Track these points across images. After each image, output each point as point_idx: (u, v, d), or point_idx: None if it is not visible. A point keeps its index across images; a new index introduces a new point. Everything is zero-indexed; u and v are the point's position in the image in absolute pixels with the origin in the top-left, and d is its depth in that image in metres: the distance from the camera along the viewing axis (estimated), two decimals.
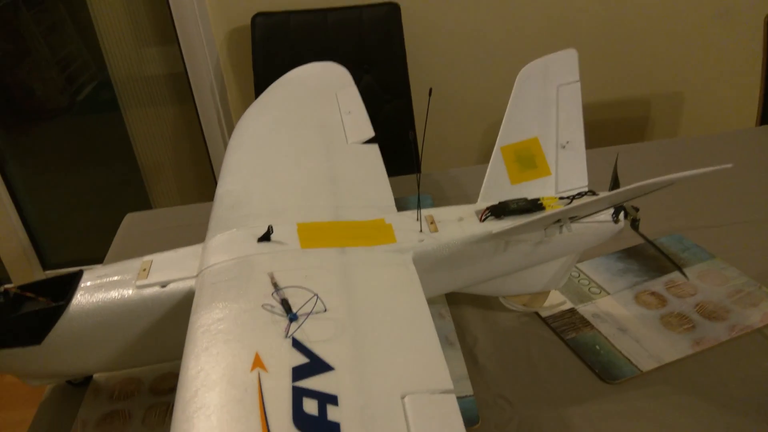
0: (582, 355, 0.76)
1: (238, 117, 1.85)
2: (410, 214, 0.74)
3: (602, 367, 0.74)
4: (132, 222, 1.14)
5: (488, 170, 0.80)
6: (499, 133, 0.82)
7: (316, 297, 0.57)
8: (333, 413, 0.47)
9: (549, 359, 0.76)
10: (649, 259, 0.91)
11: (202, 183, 2.06)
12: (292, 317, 0.55)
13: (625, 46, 1.81)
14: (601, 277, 0.88)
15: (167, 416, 0.72)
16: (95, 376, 0.79)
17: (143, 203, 2.11)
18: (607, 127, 1.92)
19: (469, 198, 0.80)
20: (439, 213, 0.75)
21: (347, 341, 0.54)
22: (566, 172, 0.80)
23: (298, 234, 0.69)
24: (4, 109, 2.03)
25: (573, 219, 0.71)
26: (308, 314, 0.56)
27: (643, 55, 1.83)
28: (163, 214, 1.19)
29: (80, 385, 0.78)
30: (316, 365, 0.51)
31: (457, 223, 0.73)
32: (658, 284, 0.86)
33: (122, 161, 2.08)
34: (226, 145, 1.87)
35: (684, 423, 0.66)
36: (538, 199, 0.74)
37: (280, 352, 0.51)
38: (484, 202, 0.77)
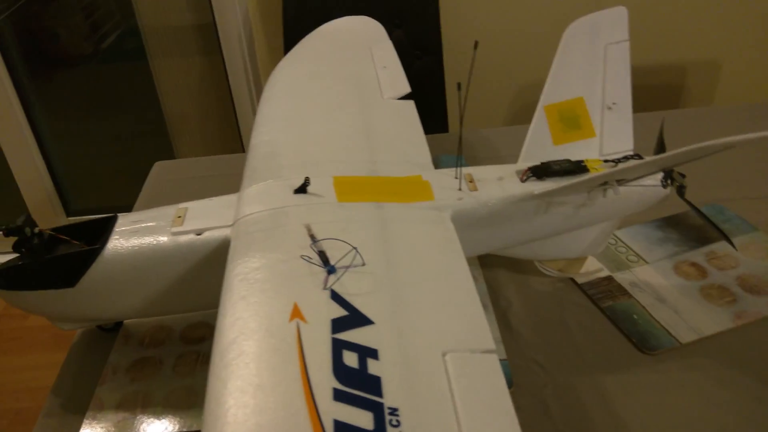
0: (619, 324, 0.74)
1: (266, 69, 1.84)
2: (448, 172, 0.72)
3: (640, 336, 0.72)
4: (161, 170, 1.13)
5: (530, 130, 0.78)
6: (543, 92, 0.79)
7: (355, 250, 0.56)
8: (373, 367, 0.46)
9: (584, 326, 0.75)
10: (689, 228, 0.88)
11: (227, 135, 2.04)
12: (331, 269, 0.54)
13: (662, 9, 1.74)
14: (639, 246, 0.86)
15: (198, 365, 0.72)
16: (126, 322, 0.79)
17: (167, 153, 2.10)
18: (642, 93, 1.87)
19: (502, 159, 0.77)
20: (478, 172, 0.73)
21: (386, 296, 0.52)
22: (611, 134, 0.77)
23: (334, 187, 0.67)
24: (29, 55, 2.02)
25: (620, 182, 0.69)
26: (347, 267, 0.54)
27: (679, 19, 1.76)
28: (191, 163, 1.18)
29: (111, 330, 0.78)
30: (355, 318, 0.50)
31: (497, 183, 0.71)
32: (698, 255, 0.83)
33: (147, 110, 2.07)
34: (252, 97, 1.86)
35: (724, 396, 0.65)
36: (581, 161, 0.72)
37: (318, 304, 0.50)
38: (525, 162, 0.74)
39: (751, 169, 1.00)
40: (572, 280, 0.81)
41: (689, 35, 1.80)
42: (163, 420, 0.65)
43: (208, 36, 1.83)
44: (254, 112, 1.88)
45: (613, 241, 0.87)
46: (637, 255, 0.84)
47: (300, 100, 0.88)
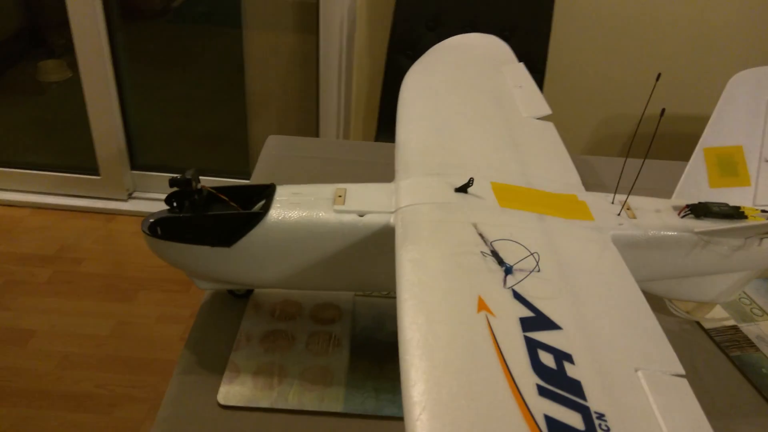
0: (748, 376, 0.74)
1: (361, 59, 1.84)
2: (603, 196, 0.72)
3: None
4: (275, 144, 1.14)
5: (687, 169, 0.78)
6: (703, 134, 0.80)
7: (533, 256, 0.56)
8: (571, 370, 0.45)
9: (714, 372, 0.74)
10: None
11: (304, 117, 2.05)
12: (508, 270, 0.54)
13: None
14: (762, 300, 0.85)
15: (331, 346, 0.72)
16: (255, 291, 0.79)
17: (240, 123, 2.11)
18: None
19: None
20: (636, 201, 0.73)
21: (568, 304, 0.52)
22: (766, 186, 0.77)
23: (493, 192, 0.67)
24: (121, 4, 2.03)
25: None
26: (525, 271, 0.54)
27: None
28: (302, 142, 1.18)
29: (241, 296, 0.78)
30: (542, 321, 0.49)
31: (655, 214, 0.71)
32: None
33: (228, 77, 2.08)
34: (340, 85, 1.87)
35: None
36: (739, 207, 0.72)
37: (503, 300, 0.50)
38: (679, 199, 0.74)
39: None
40: (699, 324, 0.81)
41: None
42: (302, 396, 0.66)
43: (308, 14, 1.84)
44: (340, 100, 1.89)
45: (739, 294, 0.86)
46: (762, 309, 0.84)
47: (442, 105, 0.88)
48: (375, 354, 0.72)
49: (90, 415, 1.44)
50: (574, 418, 0.41)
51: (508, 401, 0.41)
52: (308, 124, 2.05)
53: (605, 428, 0.41)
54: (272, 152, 1.11)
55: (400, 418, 0.64)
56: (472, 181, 0.66)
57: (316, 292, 0.80)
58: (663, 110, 0.64)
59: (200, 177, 0.69)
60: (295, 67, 1.98)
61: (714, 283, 0.77)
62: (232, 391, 0.66)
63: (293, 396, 0.66)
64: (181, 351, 0.71)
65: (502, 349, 0.45)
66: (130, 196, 2.17)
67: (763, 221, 0.67)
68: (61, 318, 1.75)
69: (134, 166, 2.18)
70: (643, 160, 0.71)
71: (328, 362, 0.70)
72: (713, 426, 0.67)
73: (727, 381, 0.74)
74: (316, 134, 1.99)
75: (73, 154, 2.21)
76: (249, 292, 0.79)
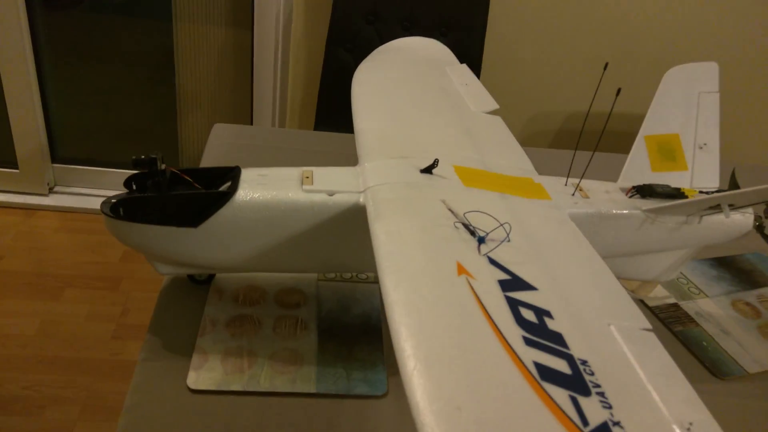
0: (691, 348, 0.79)
1: (297, 55, 1.82)
2: (557, 179, 0.76)
3: (711, 362, 0.77)
4: (221, 132, 1.11)
5: (631, 154, 0.83)
6: (644, 123, 0.85)
7: (503, 226, 0.58)
8: (552, 324, 0.48)
9: None
10: (740, 271, 0.95)
11: (238, 109, 2.02)
12: (480, 239, 0.56)
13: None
14: (698, 280, 0.92)
15: (298, 329, 0.72)
16: (216, 277, 0.78)
17: (169, 114, 2.05)
18: None
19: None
20: (585, 183, 0.77)
21: (540, 268, 0.55)
22: (701, 171, 0.83)
23: (456, 173, 0.69)
24: None
25: (731, 207, 0.74)
26: (495, 240, 0.56)
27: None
28: (249, 130, 1.17)
29: (202, 283, 0.77)
30: (518, 282, 0.52)
31: (606, 194, 0.76)
32: (750, 296, 0.90)
33: (156, 69, 2.01)
34: (275, 78, 1.85)
35: None
36: (680, 189, 0.77)
37: (480, 265, 0.52)
38: (625, 182, 0.79)
39: None
40: (643, 302, 0.86)
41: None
42: (274, 379, 0.65)
43: (242, 8, 1.80)
44: (275, 92, 1.87)
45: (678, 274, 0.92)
46: (698, 288, 0.90)
47: (395, 98, 0.90)
48: (343, 336, 0.72)
49: (18, 417, 1.36)
50: (560, 364, 0.44)
51: (498, 351, 0.43)
52: (242, 118, 2.01)
53: (590, 372, 0.44)
54: (219, 141, 1.09)
55: (373, 397, 0.66)
56: (437, 162, 0.68)
57: (279, 277, 0.79)
58: (619, 90, 0.68)
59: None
60: (228, 61, 1.94)
61: (657, 262, 0.82)
62: (202, 376, 0.64)
63: (265, 378, 0.65)
64: (144, 338, 0.69)
65: (486, 307, 0.47)
66: (51, 191, 2.06)
67: (703, 197, 0.72)
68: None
69: (56, 159, 2.07)
70: (597, 142, 0.75)
71: (297, 345, 0.70)
72: None
73: (672, 353, 0.77)
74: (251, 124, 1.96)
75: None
76: (210, 278, 0.77)
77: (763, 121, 1.97)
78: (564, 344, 0.46)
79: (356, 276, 0.82)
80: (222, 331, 0.70)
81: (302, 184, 0.68)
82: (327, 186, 0.68)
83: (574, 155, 0.76)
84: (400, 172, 0.68)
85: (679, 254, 0.82)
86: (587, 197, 0.74)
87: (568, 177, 0.76)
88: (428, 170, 0.68)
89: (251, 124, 1.96)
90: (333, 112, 1.67)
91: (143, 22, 1.97)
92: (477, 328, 0.45)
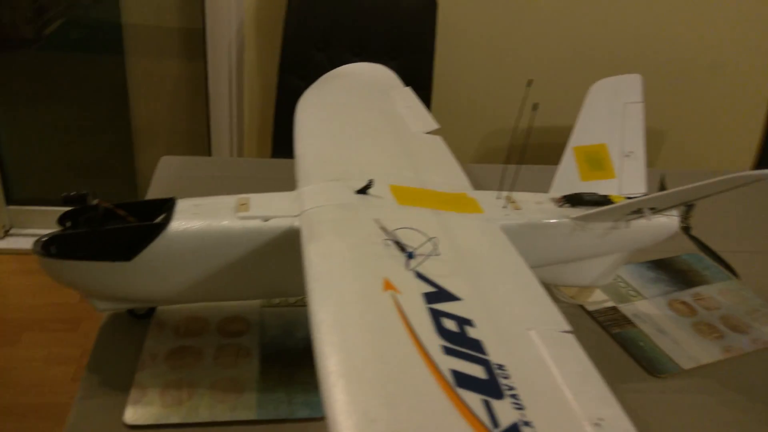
0: (628, 349, 0.82)
1: (251, 85, 1.84)
2: (490, 194, 0.78)
3: (647, 361, 0.80)
4: (167, 165, 1.12)
5: (560, 166, 0.86)
6: (572, 135, 0.88)
7: (431, 240, 0.61)
8: (472, 332, 0.50)
9: (599, 350, 0.81)
10: (676, 272, 0.98)
11: (195, 141, 2.02)
12: (410, 255, 0.58)
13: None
14: (636, 283, 0.95)
15: (239, 357, 0.73)
16: (157, 310, 0.78)
17: (125, 149, 2.05)
18: None
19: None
20: (517, 195, 0.80)
21: (464, 280, 0.57)
22: (628, 178, 0.86)
23: (392, 193, 0.71)
24: None
25: (652, 211, 0.77)
26: (425, 255, 0.58)
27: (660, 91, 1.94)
28: (196, 161, 1.17)
29: (142, 317, 0.77)
30: (443, 294, 0.54)
31: (537, 206, 0.78)
32: (686, 295, 0.93)
33: (110, 105, 2.01)
34: (231, 108, 1.87)
35: (731, 417, 0.73)
36: (607, 196, 0.80)
37: (406, 280, 0.54)
38: (556, 192, 0.82)
39: (729, 224, 1.13)
40: (582, 307, 0.88)
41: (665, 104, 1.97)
42: (213, 408, 0.66)
43: (193, 41, 1.82)
44: (232, 122, 1.88)
45: (615, 277, 0.95)
46: (636, 290, 0.93)
47: (337, 123, 0.93)
48: (286, 361, 0.73)
49: None
50: (477, 370, 0.46)
51: (416, 361, 0.45)
52: (200, 149, 2.02)
53: (505, 376, 0.46)
54: (166, 173, 1.10)
55: (315, 419, 0.66)
56: (372, 182, 0.70)
57: (222, 306, 0.80)
58: (536, 105, 0.71)
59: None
60: (183, 93, 1.95)
61: (592, 268, 0.85)
62: (140, 411, 0.64)
63: (204, 409, 0.65)
64: (82, 377, 0.69)
65: (409, 319, 0.49)
66: (6, 233, 2.03)
67: (626, 202, 0.75)
68: None
69: (11, 201, 2.05)
70: (520, 156, 0.77)
71: (238, 373, 0.70)
72: None
73: (611, 355, 0.81)
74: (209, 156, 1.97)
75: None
76: (150, 312, 0.78)
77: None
78: (482, 351, 0.48)
79: (301, 301, 0.83)
80: (161, 365, 0.70)
81: (237, 211, 0.69)
82: (262, 212, 0.69)
83: (505, 169, 0.78)
84: (335, 194, 0.70)
85: (612, 259, 0.85)
86: (519, 209, 0.76)
87: (499, 190, 0.78)
88: (363, 191, 0.70)
89: (209, 154, 1.97)
90: (289, 139, 1.67)
91: (95, 59, 1.98)
92: (398, 341, 0.47)
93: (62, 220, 0.69)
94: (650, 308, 0.89)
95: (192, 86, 1.93)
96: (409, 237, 0.61)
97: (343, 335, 0.47)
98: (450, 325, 0.50)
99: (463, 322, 0.51)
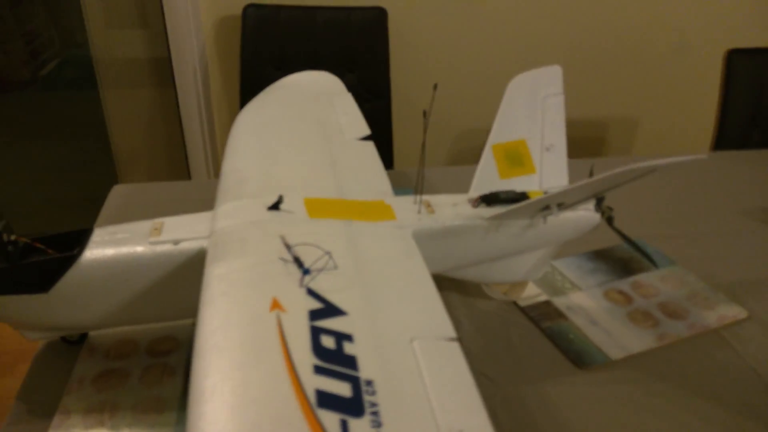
0: (557, 343, 0.82)
1: (220, 105, 1.88)
2: (407, 199, 0.79)
3: (576, 354, 0.80)
4: (120, 193, 1.15)
5: (479, 165, 0.86)
6: (491, 133, 0.89)
7: (328, 254, 0.62)
8: (349, 348, 0.51)
9: (528, 344, 0.82)
10: (616, 261, 0.98)
11: (174, 166, 2.06)
12: (306, 271, 0.59)
13: (587, 68, 1.91)
14: (573, 274, 0.95)
15: (165, 375, 0.74)
16: (90, 335, 0.80)
17: (110, 182, 2.09)
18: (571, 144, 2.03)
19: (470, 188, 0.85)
20: (434, 199, 0.81)
21: (357, 292, 0.58)
22: (549, 171, 0.87)
23: (305, 206, 0.73)
24: None
25: (560, 206, 0.77)
26: (321, 269, 0.60)
27: (602, 78, 1.94)
28: (149, 188, 1.20)
29: (75, 343, 0.79)
30: (330, 310, 0.55)
31: (452, 208, 0.79)
32: (624, 284, 0.93)
33: (91, 139, 2.07)
34: (203, 131, 1.90)
35: (655, 405, 0.73)
36: (524, 192, 0.81)
37: (296, 298, 0.55)
38: (475, 192, 0.82)
39: (670, 208, 1.12)
40: (515, 303, 0.89)
41: (611, 93, 1.98)
42: (133, 427, 0.67)
43: (161, 69, 1.86)
44: (205, 146, 1.91)
45: (550, 270, 0.95)
46: (572, 283, 0.93)
47: (268, 137, 0.94)
48: None
49: None
50: (343, 388, 0.47)
51: (282, 384, 0.46)
52: (180, 172, 2.05)
53: (372, 392, 0.47)
54: (116, 203, 1.13)
55: None
56: (282, 198, 0.72)
57: (154, 327, 0.82)
58: (425, 112, 0.73)
59: None
60: (158, 120, 1.99)
61: (519, 264, 0.86)
62: None
63: (125, 429, 0.67)
64: (12, 405, 0.71)
65: (287, 340, 0.50)
66: None
67: (532, 200, 0.76)
68: None
69: None
70: (421, 158, 0.78)
71: (161, 392, 0.72)
72: (528, 393, 0.74)
73: (539, 349, 0.81)
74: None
75: None
76: (83, 338, 0.80)
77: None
78: (354, 367, 0.49)
79: None
80: (88, 388, 0.72)
81: (150, 236, 0.71)
82: (174, 235, 0.71)
83: (419, 173, 0.79)
84: (247, 212, 0.71)
85: (538, 254, 0.85)
86: (433, 213, 0.78)
87: (417, 194, 0.79)
88: (275, 206, 0.71)
89: (189, 178, 2.01)
90: None
91: (69, 94, 2.04)
92: (270, 363, 0.48)
93: None
94: (585, 300, 0.90)
95: (166, 113, 1.97)
96: (309, 252, 0.63)
97: (218, 359, 0.48)
98: (328, 342, 0.51)
99: (342, 338, 0.52)
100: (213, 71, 1.82)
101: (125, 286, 0.70)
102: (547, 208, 0.77)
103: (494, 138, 0.88)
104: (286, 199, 0.72)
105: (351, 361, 0.49)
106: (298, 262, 0.60)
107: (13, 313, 0.70)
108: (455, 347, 0.54)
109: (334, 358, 0.49)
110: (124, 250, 0.69)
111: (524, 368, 0.78)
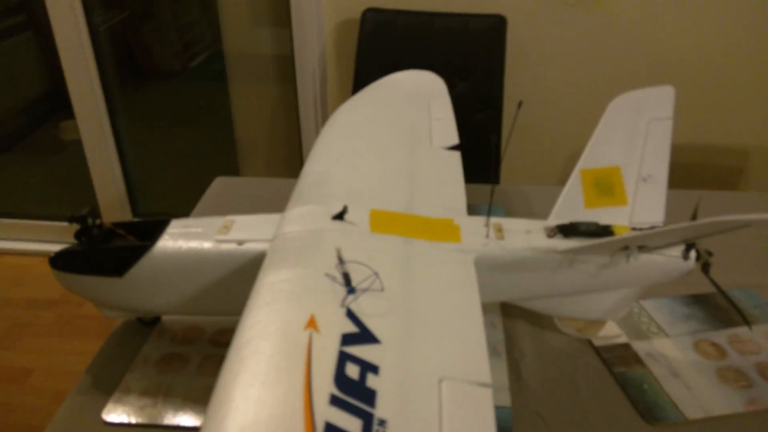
0: (627, 391, 0.75)
1: (334, 105, 1.93)
2: (480, 220, 0.76)
3: (646, 406, 0.73)
4: (221, 185, 1.21)
5: (564, 190, 0.81)
6: (582, 156, 0.83)
7: (375, 275, 0.60)
8: (372, 381, 0.49)
9: (593, 388, 0.76)
10: (716, 309, 0.88)
11: (290, 161, 2.14)
12: (351, 290, 0.58)
13: (725, 93, 1.74)
14: (663, 318, 0.86)
15: (221, 366, 0.77)
16: (164, 318, 0.85)
17: (232, 171, 2.22)
18: (701, 171, 1.86)
19: (536, 216, 0.80)
20: (509, 223, 0.76)
21: (398, 320, 0.56)
22: (643, 205, 0.80)
23: (369, 218, 0.72)
24: (124, 65, 2.19)
25: (641, 249, 0.71)
26: (366, 290, 0.59)
27: (742, 104, 1.76)
28: (249, 182, 1.25)
29: (149, 324, 0.84)
30: (364, 336, 0.54)
31: (524, 235, 0.74)
32: (720, 336, 0.84)
33: (221, 129, 2.20)
34: (318, 129, 1.95)
35: None
36: (609, 226, 0.74)
37: (333, 318, 0.54)
38: (554, 220, 0.77)
39: None
40: (589, 342, 0.83)
41: (752, 120, 1.79)
42: (181, 413, 0.70)
43: (286, 67, 1.94)
44: None
45: (637, 310, 0.88)
46: (659, 327, 0.85)
47: (354, 138, 0.94)
48: None
49: None
50: (354, 425, 0.45)
51: (295, 411, 0.45)
52: (296, 167, 2.13)
53: None
54: (217, 193, 1.19)
55: None
56: (347, 208, 0.71)
57: (223, 318, 0.85)
58: (520, 102, 0.68)
59: None
60: (279, 115, 2.08)
61: (596, 302, 0.79)
62: (118, 409, 0.71)
63: (171, 413, 0.70)
64: (81, 374, 0.77)
65: (312, 364, 0.50)
66: None
67: (612, 239, 0.69)
68: (59, 357, 1.84)
69: (137, 214, 2.30)
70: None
71: (214, 382, 0.75)
72: None
73: (606, 396, 0.75)
74: None
75: (80, 205, 2.35)
76: (157, 319, 0.85)
77: None
78: (372, 403, 0.47)
79: None
80: (150, 368, 0.77)
81: (218, 234, 0.74)
82: (240, 235, 0.73)
83: (491, 191, 0.75)
84: (312, 219, 0.71)
85: (620, 294, 0.79)
86: (502, 238, 0.74)
87: (488, 216, 0.76)
88: (339, 216, 0.71)
89: None
90: None
91: (210, 86, 2.19)
92: (289, 386, 0.47)
93: (78, 235, 0.78)
94: (670, 348, 0.81)
95: (287, 110, 2.05)
96: (358, 270, 0.61)
97: (244, 372, 0.49)
98: (352, 371, 0.49)
99: (368, 368, 0.50)
100: (330, 72, 1.87)
101: (191, 278, 0.73)
102: (626, 248, 0.70)
103: (585, 162, 0.82)
104: (352, 209, 0.72)
105: (370, 396, 0.48)
106: (346, 278, 0.60)
107: (92, 291, 0.76)
108: (486, 394, 0.50)
109: (354, 390, 0.48)
110: (192, 244, 0.72)
111: (584, 414, 0.72)
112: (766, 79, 1.73)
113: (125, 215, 2.26)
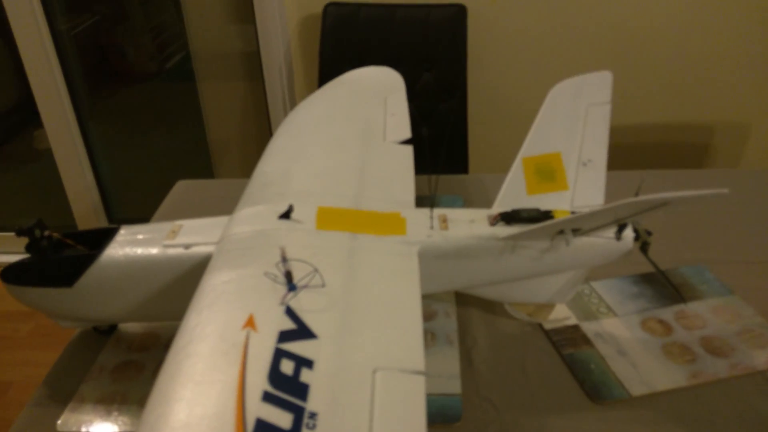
0: (575, 372, 0.77)
1: (302, 99, 1.92)
2: (425, 212, 0.77)
3: (592, 385, 0.74)
4: (182, 189, 1.21)
5: (507, 179, 0.82)
6: (523, 145, 0.84)
7: (316, 271, 0.62)
8: (305, 375, 0.51)
9: (542, 371, 0.77)
10: (664, 287, 0.90)
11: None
12: (291, 287, 0.59)
13: (688, 71, 1.75)
14: (612, 299, 0.88)
15: None
16: (120, 327, 0.86)
17: (206, 171, 2.21)
18: (667, 151, 1.87)
19: (477, 203, 0.82)
20: (453, 213, 0.78)
21: (336, 315, 0.58)
22: (584, 189, 0.81)
23: (316, 216, 0.73)
24: (95, 69, 2.18)
25: (576, 232, 0.72)
26: (306, 287, 0.60)
27: (706, 81, 1.77)
28: (212, 184, 1.26)
29: (105, 333, 0.85)
30: (301, 332, 0.55)
31: (468, 224, 0.76)
32: (667, 313, 0.85)
33: (193, 130, 2.19)
34: None
35: None
36: (549, 211, 0.76)
37: (272, 316, 0.56)
38: (498, 208, 0.79)
39: (738, 232, 1.01)
40: (540, 325, 0.84)
41: (717, 97, 1.80)
42: (137, 420, 0.71)
43: (252, 64, 1.94)
44: None
45: (587, 291, 0.89)
46: (608, 307, 0.87)
47: (308, 136, 0.95)
48: None
49: None
50: (284, 419, 0.47)
51: (227, 409, 0.47)
52: None
53: (312, 426, 0.47)
54: (176, 198, 1.19)
55: None
56: (292, 207, 0.72)
57: (178, 323, 0.86)
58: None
59: None
60: (249, 113, 2.08)
61: (543, 285, 0.81)
62: (72, 419, 0.72)
63: (129, 420, 0.72)
64: (37, 386, 0.78)
65: (247, 362, 0.51)
66: None
67: (550, 221, 0.71)
68: (38, 369, 1.84)
69: (112, 220, 2.29)
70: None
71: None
72: (529, 424, 0.70)
73: (554, 378, 0.77)
74: None
75: (53, 214, 2.34)
76: (113, 328, 0.86)
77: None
78: (304, 397, 0.49)
79: None
80: (105, 377, 0.78)
81: (166, 238, 0.74)
82: (188, 239, 0.74)
83: (433, 181, 0.77)
84: (259, 219, 0.72)
85: (565, 277, 0.80)
86: (446, 229, 0.75)
87: (431, 208, 0.77)
88: (286, 215, 0.72)
89: None
90: None
91: (175, 87, 2.18)
92: (223, 384, 0.49)
93: (27, 249, 0.78)
94: (618, 327, 0.83)
95: (256, 107, 2.05)
96: (300, 267, 0.62)
97: (180, 374, 0.50)
98: (287, 367, 0.51)
99: (302, 363, 0.52)
100: (297, 67, 1.87)
101: (140, 285, 0.74)
102: (562, 232, 0.72)
103: (526, 150, 0.83)
104: (299, 208, 0.73)
105: (302, 390, 0.49)
106: (288, 277, 0.61)
107: (45, 303, 0.77)
108: (418, 381, 0.52)
109: (287, 385, 0.49)
110: (140, 251, 0.73)
111: (533, 397, 0.74)
112: (728, 55, 1.74)
113: (101, 222, 2.26)
